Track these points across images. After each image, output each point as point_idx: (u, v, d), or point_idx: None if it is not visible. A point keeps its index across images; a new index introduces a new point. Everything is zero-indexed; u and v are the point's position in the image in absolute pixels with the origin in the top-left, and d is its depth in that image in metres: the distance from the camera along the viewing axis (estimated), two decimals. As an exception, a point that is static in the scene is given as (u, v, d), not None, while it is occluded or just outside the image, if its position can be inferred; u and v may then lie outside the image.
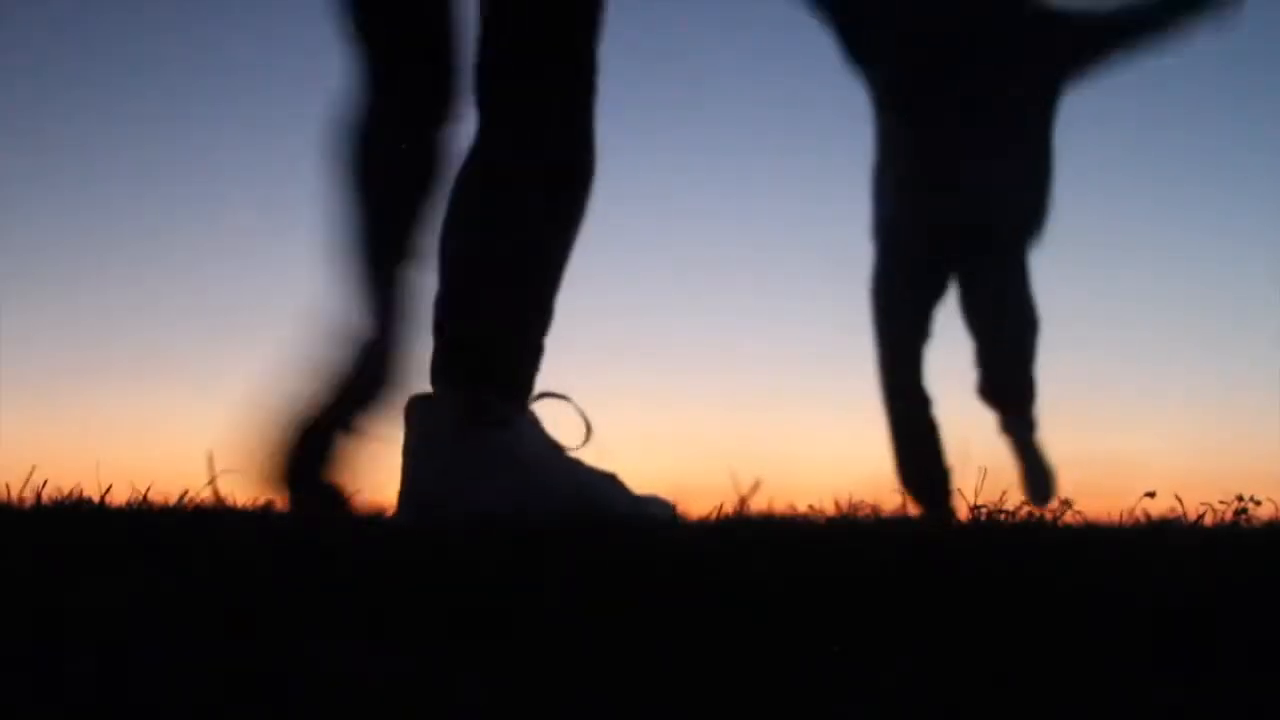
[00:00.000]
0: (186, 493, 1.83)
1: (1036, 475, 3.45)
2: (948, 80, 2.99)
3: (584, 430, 1.80)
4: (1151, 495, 2.19)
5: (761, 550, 1.41)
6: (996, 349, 3.24)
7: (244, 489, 1.97)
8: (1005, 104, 3.01)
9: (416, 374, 1.93)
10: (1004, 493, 2.41)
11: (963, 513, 2.22)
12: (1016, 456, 3.47)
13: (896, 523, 2.01)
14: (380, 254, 1.93)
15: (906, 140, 3.06)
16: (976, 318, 3.22)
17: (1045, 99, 3.11)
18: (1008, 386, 3.29)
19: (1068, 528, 2.27)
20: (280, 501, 2.00)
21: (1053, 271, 3.68)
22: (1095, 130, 3.67)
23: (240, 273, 5.93)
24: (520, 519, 1.70)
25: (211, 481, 1.88)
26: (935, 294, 3.20)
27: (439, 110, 1.96)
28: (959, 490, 3.37)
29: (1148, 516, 2.21)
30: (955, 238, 3.07)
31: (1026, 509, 2.33)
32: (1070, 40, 3.06)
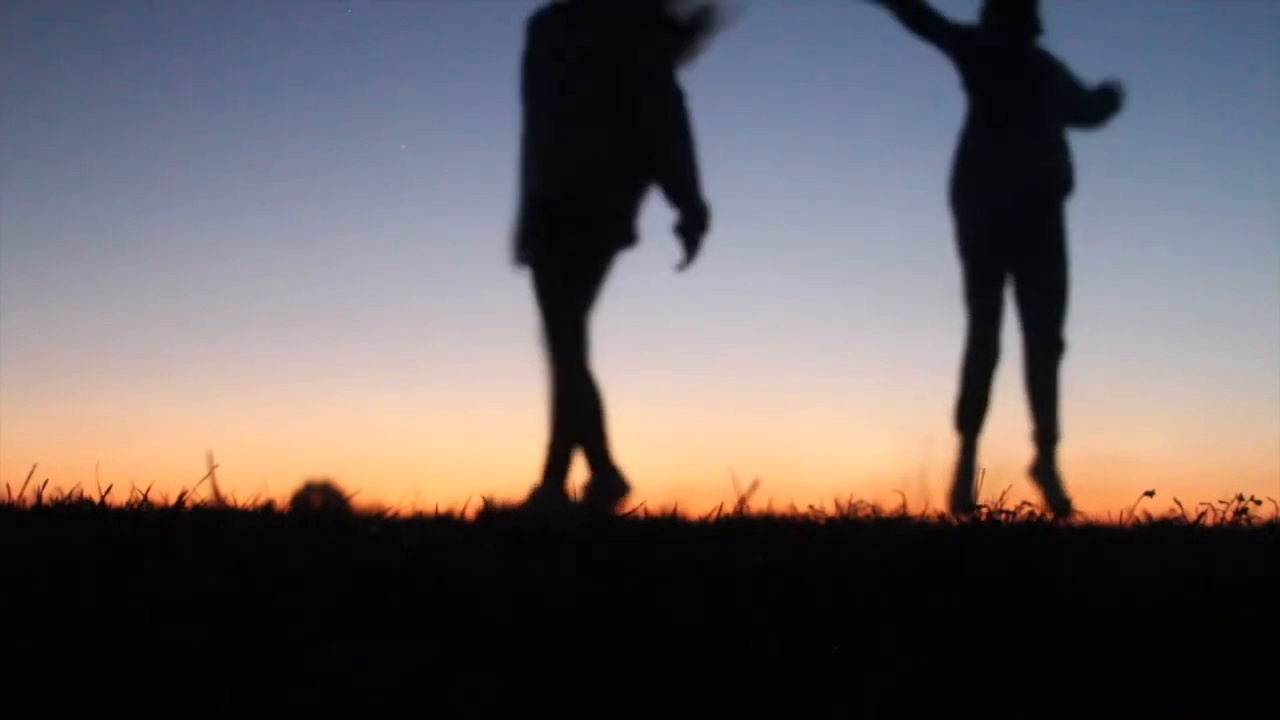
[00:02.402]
0: (186, 493, 1.83)
1: (1054, 492, 3.55)
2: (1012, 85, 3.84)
3: None
4: (1151, 494, 2.19)
5: (761, 550, 1.41)
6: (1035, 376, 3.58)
7: (244, 489, 1.97)
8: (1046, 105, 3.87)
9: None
10: (1004, 493, 2.40)
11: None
12: (1037, 477, 3.59)
13: (896, 523, 2.01)
14: None
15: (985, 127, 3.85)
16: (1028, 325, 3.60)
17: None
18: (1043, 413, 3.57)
19: (1068, 528, 2.26)
20: (280, 501, 2.00)
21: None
22: (1097, 130, 3.79)
23: (239, 273, 5.92)
24: (521, 520, 1.71)
25: (210, 477, 1.87)
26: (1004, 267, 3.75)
27: None
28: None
29: (1148, 516, 2.20)
30: (1023, 194, 3.75)
31: (1027, 509, 2.32)
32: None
